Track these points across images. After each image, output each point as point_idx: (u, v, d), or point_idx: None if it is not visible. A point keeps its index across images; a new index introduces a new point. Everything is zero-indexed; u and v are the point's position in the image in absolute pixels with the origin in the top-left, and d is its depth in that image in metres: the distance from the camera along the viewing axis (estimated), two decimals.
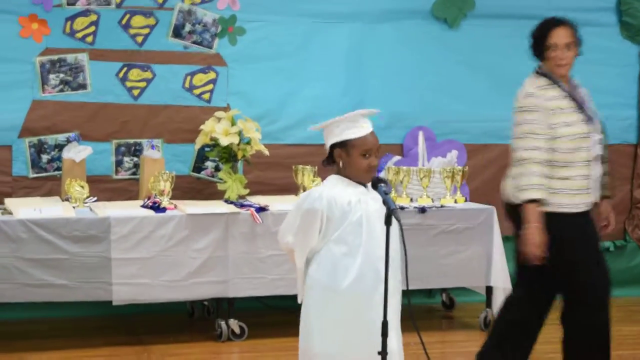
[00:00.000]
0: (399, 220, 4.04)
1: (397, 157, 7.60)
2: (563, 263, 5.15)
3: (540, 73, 5.22)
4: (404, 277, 4.21)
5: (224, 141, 6.88)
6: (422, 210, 6.96)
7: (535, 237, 4.99)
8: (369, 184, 4.24)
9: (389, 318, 4.05)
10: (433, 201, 7.17)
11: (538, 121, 5.03)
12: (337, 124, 4.21)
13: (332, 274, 4.18)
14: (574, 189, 5.09)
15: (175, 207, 6.66)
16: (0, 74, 7.00)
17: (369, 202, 4.20)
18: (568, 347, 5.32)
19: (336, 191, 4.21)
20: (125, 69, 7.27)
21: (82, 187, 6.60)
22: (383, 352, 4.04)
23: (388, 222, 4.02)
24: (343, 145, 4.19)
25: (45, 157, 7.13)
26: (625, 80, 8.34)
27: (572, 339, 5.27)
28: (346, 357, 4.20)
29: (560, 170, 5.07)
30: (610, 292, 5.24)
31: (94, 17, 7.19)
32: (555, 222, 5.07)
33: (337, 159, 4.22)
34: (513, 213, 5.19)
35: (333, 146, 4.23)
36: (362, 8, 7.69)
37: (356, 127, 4.20)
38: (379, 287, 4.06)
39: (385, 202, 4.08)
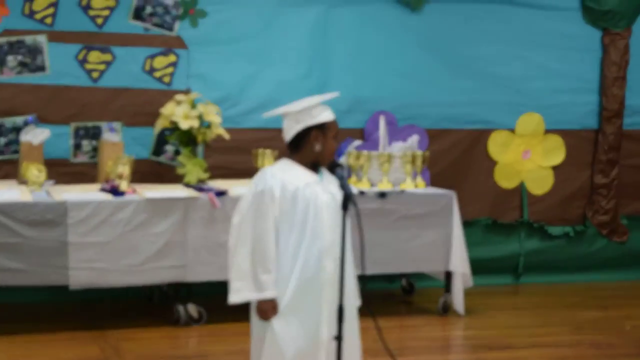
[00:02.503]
0: (355, 206, 4.02)
1: (358, 142, 7.57)
2: None
3: None
4: (359, 263, 4.18)
5: (184, 125, 6.83)
6: (382, 195, 6.94)
7: None
8: (324, 171, 4.21)
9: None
10: (394, 186, 7.15)
11: None
12: (314, 107, 4.19)
13: (285, 261, 4.16)
14: None
15: (134, 191, 6.61)
16: None
17: (318, 190, 4.17)
18: None
19: (287, 175, 4.18)
20: (84, 51, 7.20)
21: (39, 170, 6.54)
22: (338, 337, 4.03)
23: (345, 207, 4.01)
24: (321, 127, 4.18)
25: (2, 140, 7.04)
26: (587, 66, 8.33)
27: None
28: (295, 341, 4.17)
29: None
30: None
31: None
32: None
33: (314, 141, 4.17)
34: None
35: (308, 129, 4.17)
36: None
37: (328, 110, 4.22)
38: (321, 275, 4.13)
39: (342, 187, 4.05)
